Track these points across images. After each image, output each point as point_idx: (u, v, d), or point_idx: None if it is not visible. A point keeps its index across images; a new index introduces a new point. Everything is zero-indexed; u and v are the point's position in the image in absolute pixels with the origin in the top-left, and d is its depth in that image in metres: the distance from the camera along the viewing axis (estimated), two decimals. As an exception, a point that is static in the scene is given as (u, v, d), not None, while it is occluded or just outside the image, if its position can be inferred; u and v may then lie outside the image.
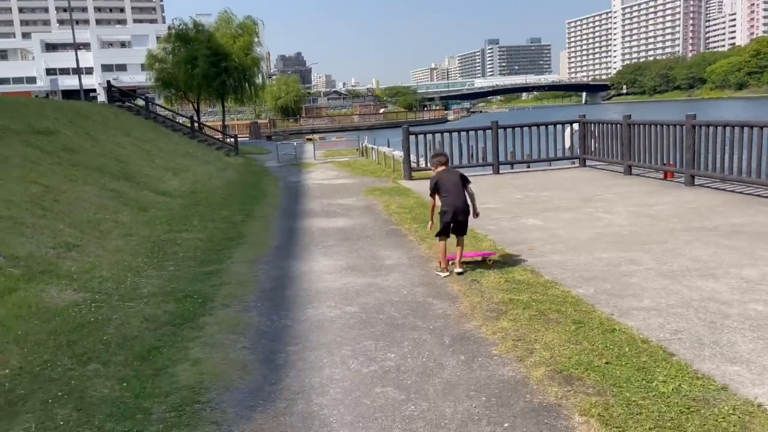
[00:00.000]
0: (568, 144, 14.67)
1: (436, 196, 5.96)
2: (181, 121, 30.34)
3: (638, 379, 3.37)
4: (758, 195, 9.09)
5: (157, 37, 69.50)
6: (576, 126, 14.40)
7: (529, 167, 15.04)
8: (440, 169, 6.05)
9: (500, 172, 14.20)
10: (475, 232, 7.57)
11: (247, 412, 3.36)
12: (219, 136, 29.83)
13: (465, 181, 5.91)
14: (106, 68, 72.21)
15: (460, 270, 5.84)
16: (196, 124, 27.80)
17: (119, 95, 28.09)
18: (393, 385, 3.58)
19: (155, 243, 7.58)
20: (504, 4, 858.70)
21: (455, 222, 5.85)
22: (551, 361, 3.70)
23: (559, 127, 14.57)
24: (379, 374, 3.75)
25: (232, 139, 28.04)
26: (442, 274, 5.83)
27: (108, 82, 26.50)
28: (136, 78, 64.77)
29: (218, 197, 12.04)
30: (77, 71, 30.22)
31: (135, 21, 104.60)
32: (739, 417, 2.96)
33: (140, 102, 27.51)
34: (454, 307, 4.91)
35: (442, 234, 5.90)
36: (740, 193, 9.41)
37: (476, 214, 6.03)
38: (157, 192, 11.60)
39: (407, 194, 11.38)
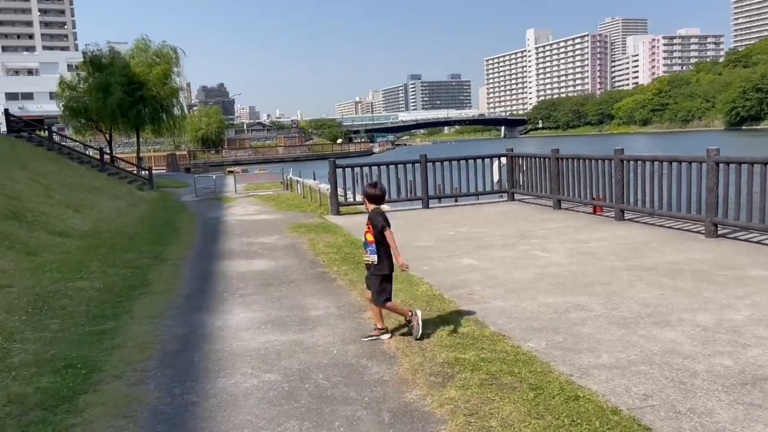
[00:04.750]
0: (496, 178, 14.50)
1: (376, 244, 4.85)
2: (91, 153, 28.49)
3: (619, 468, 2.81)
4: (687, 230, 9.04)
5: (68, 65, 66.30)
6: (504, 160, 14.27)
7: (456, 201, 14.76)
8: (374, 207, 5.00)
9: (430, 206, 13.81)
10: (410, 273, 6.98)
11: None
12: (132, 168, 28.16)
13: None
14: (11, 97, 67.77)
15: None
16: (107, 156, 26.10)
17: (18, 125, 25.99)
18: (322, 487, 2.84)
19: (40, 295, 6.48)
20: (425, 41, 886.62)
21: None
22: (513, 444, 3.08)
23: (487, 161, 14.40)
24: (304, 471, 3.00)
25: (147, 172, 26.49)
26: (385, 337, 4.90)
27: (6, 110, 24.42)
28: (44, 107, 61.18)
29: (125, 237, 10.90)
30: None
31: (45, 48, 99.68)
32: None
33: (55, 133, 25.58)
34: (393, 371, 4.23)
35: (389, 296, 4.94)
36: (669, 228, 9.35)
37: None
38: (52, 232, 10.34)
39: (335, 231, 10.69)
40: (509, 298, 5.87)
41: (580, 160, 11.50)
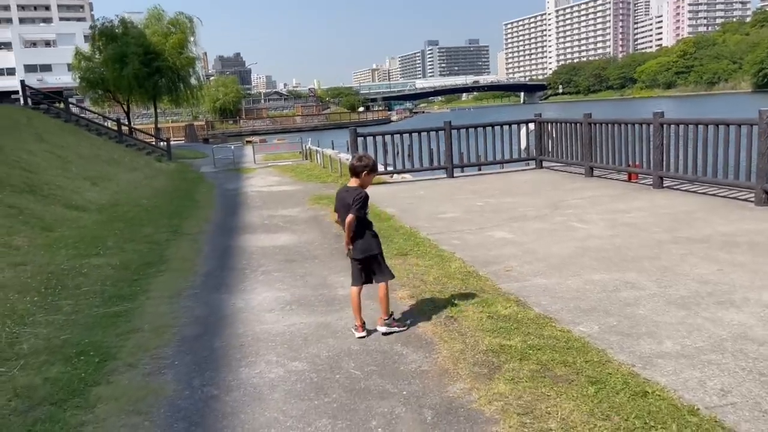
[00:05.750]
0: (524, 144, 13.93)
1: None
2: (109, 125, 28.25)
3: (709, 484, 2.40)
4: (734, 198, 8.47)
5: (85, 36, 66.00)
6: (532, 126, 13.67)
7: (480, 170, 14.21)
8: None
9: (454, 175, 13.31)
10: (440, 248, 6.59)
11: None
12: (151, 140, 27.90)
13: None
14: (30, 69, 67.60)
15: (382, 329, 4.35)
16: (124, 127, 25.84)
17: (36, 96, 25.79)
18: (362, 503, 2.48)
19: (54, 274, 6.20)
20: (442, 6, 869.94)
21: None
22: (578, 451, 2.68)
23: (514, 127, 13.80)
24: (340, 482, 2.64)
25: (165, 143, 26.21)
26: (357, 334, 4.33)
27: (22, 82, 24.21)
28: (62, 79, 60.93)
29: (142, 210, 10.60)
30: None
31: (62, 19, 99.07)
32: None
33: (71, 105, 25.34)
34: (431, 359, 3.84)
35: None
36: (714, 195, 8.78)
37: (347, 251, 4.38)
38: (68, 206, 10.07)
39: (357, 203, 10.26)
40: (551, 275, 5.43)
41: (615, 125, 10.88)
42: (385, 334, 4.32)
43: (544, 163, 13.50)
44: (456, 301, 4.79)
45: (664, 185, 9.75)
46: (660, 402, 3.04)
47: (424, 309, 4.74)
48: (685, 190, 9.36)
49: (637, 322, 4.19)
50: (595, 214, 8.03)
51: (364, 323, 4.36)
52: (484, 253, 6.39)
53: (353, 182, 4.35)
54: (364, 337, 4.29)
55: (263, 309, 5.09)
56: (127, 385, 3.69)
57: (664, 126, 9.55)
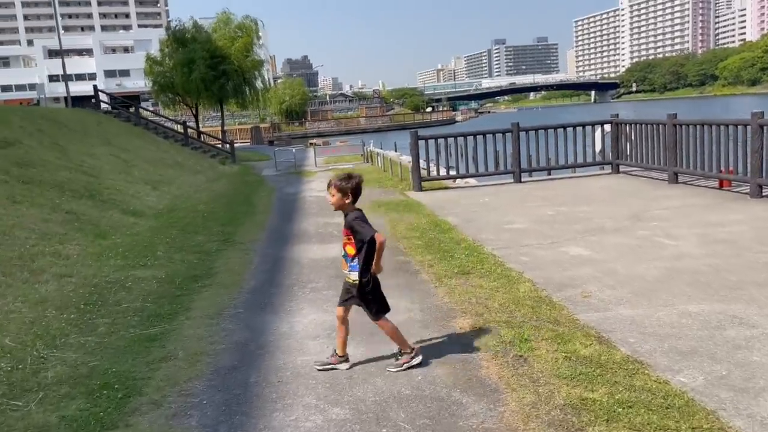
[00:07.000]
0: (598, 147, 12.93)
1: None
2: (178, 128, 28.85)
3: None
4: None
5: (161, 41, 68.48)
6: (608, 127, 12.67)
7: (549, 174, 13.30)
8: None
9: (522, 180, 12.51)
10: (507, 266, 5.91)
11: None
12: (216, 142, 28.27)
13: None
14: (109, 74, 70.79)
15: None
16: (191, 130, 26.25)
17: (114, 101, 26.64)
18: None
19: (97, 287, 5.93)
20: (510, 4, 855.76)
21: None
22: None
23: (587, 128, 12.85)
24: None
25: (229, 146, 26.46)
26: (415, 361, 3.84)
27: (94, 87, 25.01)
28: (138, 83, 63.40)
29: (199, 216, 10.38)
30: (66, 77, 28.86)
31: (140, 26, 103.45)
32: None
33: (140, 108, 26.07)
34: (497, 414, 3.21)
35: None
36: (825, 207, 7.67)
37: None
38: (126, 212, 9.98)
39: (418, 210, 9.69)
40: (638, 304, 4.67)
41: (704, 126, 9.81)
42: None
43: (621, 168, 12.48)
44: (526, 335, 4.13)
45: (764, 194, 8.66)
46: (803, 500, 2.31)
47: (488, 343, 4.11)
48: (789, 200, 8.27)
49: (753, 373, 3.42)
50: (685, 228, 7.12)
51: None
52: (558, 273, 5.67)
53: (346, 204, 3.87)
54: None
55: (308, 335, 4.59)
56: (146, 430, 3.25)
57: (764, 127, 8.46)
